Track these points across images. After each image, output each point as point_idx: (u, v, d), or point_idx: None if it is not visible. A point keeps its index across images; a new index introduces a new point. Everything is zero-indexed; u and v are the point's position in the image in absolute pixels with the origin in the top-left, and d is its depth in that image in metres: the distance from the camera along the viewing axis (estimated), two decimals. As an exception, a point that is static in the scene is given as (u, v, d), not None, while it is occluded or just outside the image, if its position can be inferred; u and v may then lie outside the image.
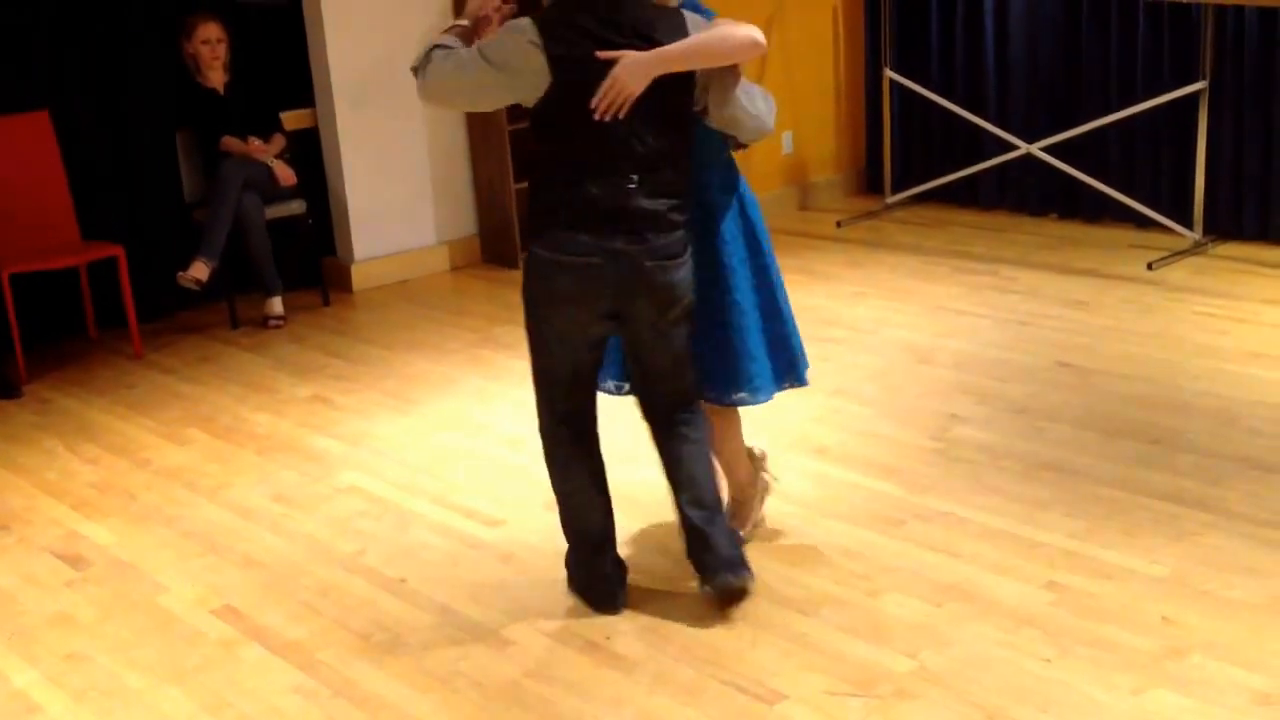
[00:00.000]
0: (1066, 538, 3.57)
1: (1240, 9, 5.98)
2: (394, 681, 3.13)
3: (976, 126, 6.73)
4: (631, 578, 3.50)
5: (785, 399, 3.68)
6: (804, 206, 7.40)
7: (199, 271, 5.73)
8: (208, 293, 5.89)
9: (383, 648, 3.28)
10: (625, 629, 3.27)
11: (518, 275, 6.43)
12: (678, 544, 3.67)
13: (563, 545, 3.60)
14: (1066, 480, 3.92)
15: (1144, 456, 4.04)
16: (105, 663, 3.31)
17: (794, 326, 3.51)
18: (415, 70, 3.24)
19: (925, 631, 3.17)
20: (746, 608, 3.32)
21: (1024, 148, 6.46)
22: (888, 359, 5.00)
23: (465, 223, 6.85)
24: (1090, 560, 3.44)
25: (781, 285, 3.49)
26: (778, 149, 7.21)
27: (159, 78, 6.07)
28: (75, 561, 3.87)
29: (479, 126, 6.68)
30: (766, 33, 3.35)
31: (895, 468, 4.07)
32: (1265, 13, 5.91)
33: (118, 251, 5.55)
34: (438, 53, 3.20)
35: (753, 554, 3.58)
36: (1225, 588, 3.27)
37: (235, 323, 6.01)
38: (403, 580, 3.62)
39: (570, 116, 3.09)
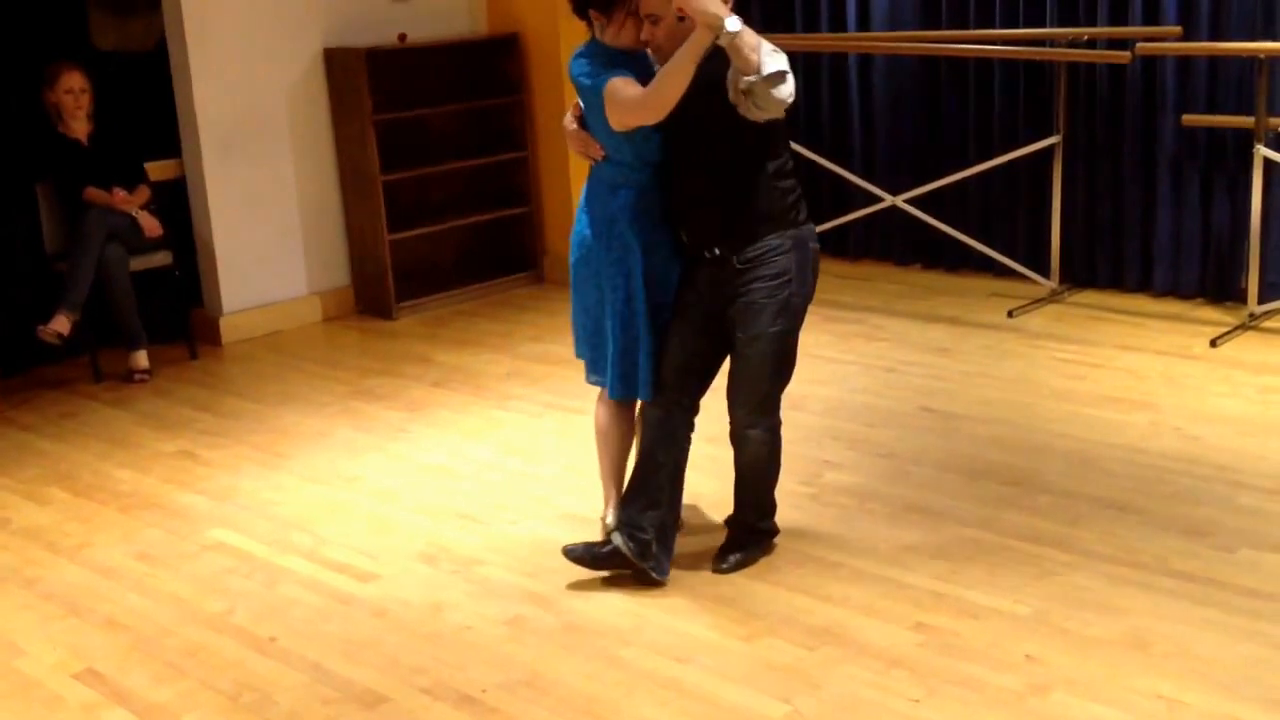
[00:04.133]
0: (933, 579, 3.65)
1: (1091, 66, 6.24)
2: (263, 742, 3.07)
3: (843, 179, 6.89)
4: (507, 630, 3.50)
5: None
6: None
7: (60, 325, 5.59)
8: (69, 347, 5.76)
9: (251, 709, 3.22)
10: (500, 682, 3.25)
11: (391, 326, 6.52)
12: (552, 594, 3.68)
13: (435, 598, 3.63)
14: (932, 522, 4.01)
15: (1005, 497, 4.16)
16: (-42, 732, 3.19)
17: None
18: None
19: (798, 675, 3.21)
20: (622, 655, 3.33)
21: (889, 200, 6.64)
22: (759, 406, 5.07)
23: (338, 273, 6.80)
24: (956, 601, 3.53)
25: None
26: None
27: (18, 127, 5.93)
28: (-73, 627, 3.72)
29: (350, 175, 6.65)
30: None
31: (767, 514, 4.12)
32: (1115, 69, 6.18)
33: (-26, 305, 5.40)
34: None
35: (627, 602, 3.60)
36: (1084, 625, 3.37)
37: (99, 377, 5.87)
38: (272, 639, 3.55)
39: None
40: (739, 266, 3.56)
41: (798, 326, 3.65)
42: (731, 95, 3.39)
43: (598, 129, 3.62)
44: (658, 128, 3.53)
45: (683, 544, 3.84)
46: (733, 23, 3.29)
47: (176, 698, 3.28)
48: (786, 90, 3.35)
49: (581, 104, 3.67)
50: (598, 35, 3.61)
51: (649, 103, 3.45)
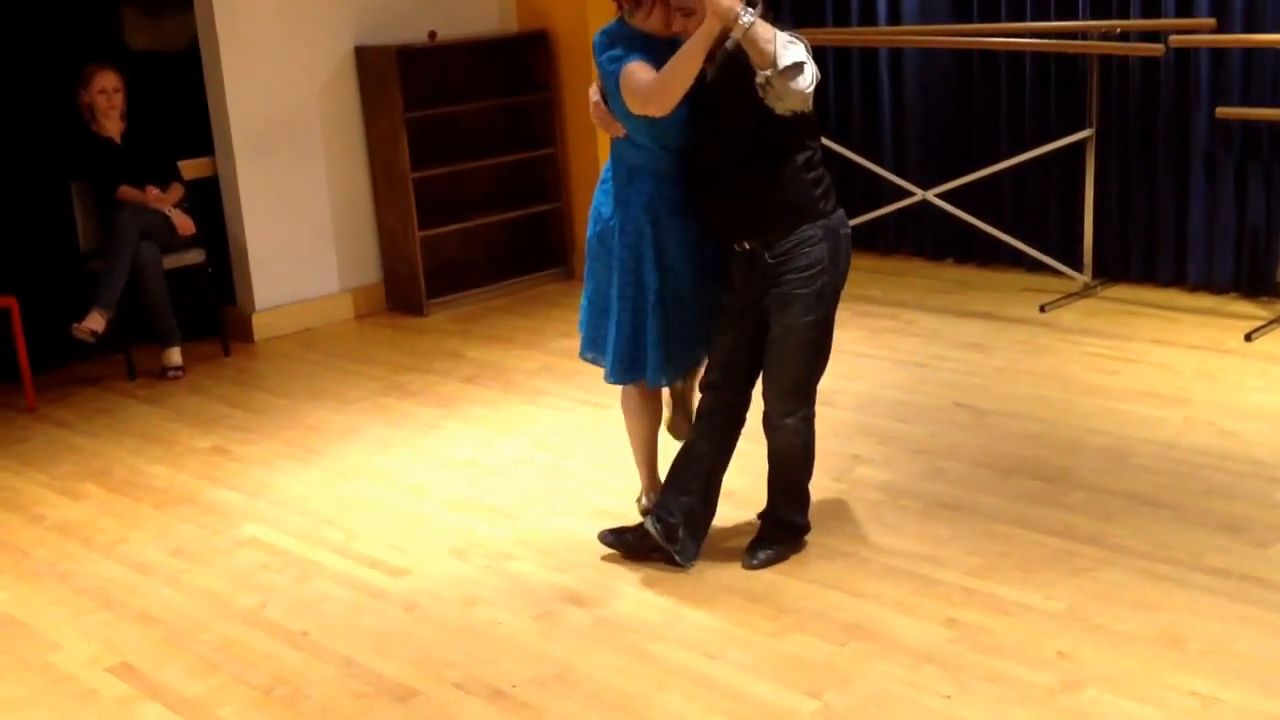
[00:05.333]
0: (965, 575, 3.63)
1: (1124, 59, 6.19)
2: (296, 735, 3.09)
3: (874, 173, 6.86)
4: (538, 624, 3.50)
5: (688, 443, 3.72)
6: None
7: (95, 322, 5.63)
8: (104, 344, 5.80)
9: (284, 702, 3.23)
10: (531, 676, 3.26)
11: (422, 322, 6.54)
12: (582, 589, 3.68)
13: (466, 593, 3.62)
14: (964, 518, 3.99)
15: (1038, 494, 4.13)
16: (-5, 724, 3.22)
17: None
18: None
19: (829, 671, 3.20)
20: (652, 650, 3.33)
21: (920, 194, 6.61)
22: (790, 402, 5.05)
23: (369, 270, 6.82)
24: (988, 597, 3.51)
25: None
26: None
27: (53, 127, 5.98)
28: (-36, 621, 3.76)
29: (381, 172, 6.67)
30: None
31: (798, 509, 4.11)
32: (1148, 62, 6.13)
33: (10, 303, 5.44)
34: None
35: (657, 597, 3.60)
36: (1118, 621, 3.35)
37: (132, 374, 5.91)
38: (305, 633, 3.57)
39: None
40: (771, 261, 3.54)
41: (832, 313, 3.64)
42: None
43: (618, 109, 3.58)
44: (680, 114, 3.50)
45: (714, 539, 3.84)
46: (747, 15, 3.26)
47: (210, 691, 3.30)
48: (805, 81, 3.31)
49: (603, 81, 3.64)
50: (626, 18, 3.58)
51: (654, 93, 3.42)
